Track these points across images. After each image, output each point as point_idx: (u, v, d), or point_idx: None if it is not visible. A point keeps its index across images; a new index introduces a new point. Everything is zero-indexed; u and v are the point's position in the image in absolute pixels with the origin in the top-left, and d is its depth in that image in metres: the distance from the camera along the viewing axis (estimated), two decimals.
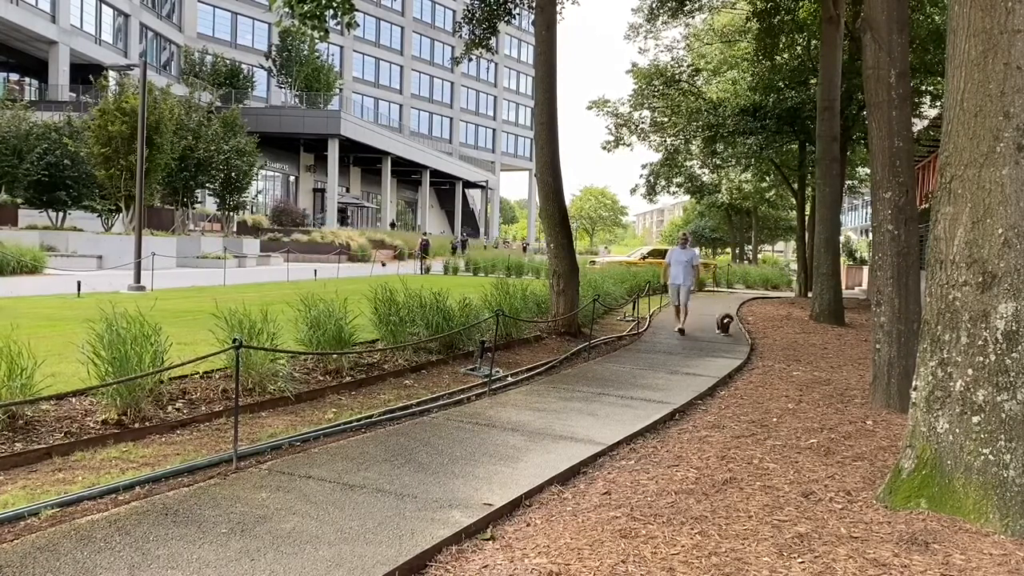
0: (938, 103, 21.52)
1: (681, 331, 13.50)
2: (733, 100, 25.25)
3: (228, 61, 52.49)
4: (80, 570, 3.33)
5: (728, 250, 64.49)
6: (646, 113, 27.68)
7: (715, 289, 29.97)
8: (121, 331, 5.93)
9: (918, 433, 4.74)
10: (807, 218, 24.71)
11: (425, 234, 43.98)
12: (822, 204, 17.21)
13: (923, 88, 21.89)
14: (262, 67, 55.37)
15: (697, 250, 14.78)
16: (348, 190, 61.09)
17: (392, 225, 60.52)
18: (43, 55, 41.31)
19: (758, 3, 21.30)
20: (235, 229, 39.29)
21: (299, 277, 23.34)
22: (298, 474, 4.74)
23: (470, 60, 17.06)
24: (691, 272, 13.83)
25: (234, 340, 5.24)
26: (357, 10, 12.18)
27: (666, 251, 36.87)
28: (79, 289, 15.15)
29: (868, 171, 13.18)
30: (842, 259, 25.57)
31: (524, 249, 60.26)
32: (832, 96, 16.79)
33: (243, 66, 53.40)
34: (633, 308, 16.61)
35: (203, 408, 6.26)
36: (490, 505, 4.37)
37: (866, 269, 34.00)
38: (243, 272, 26.85)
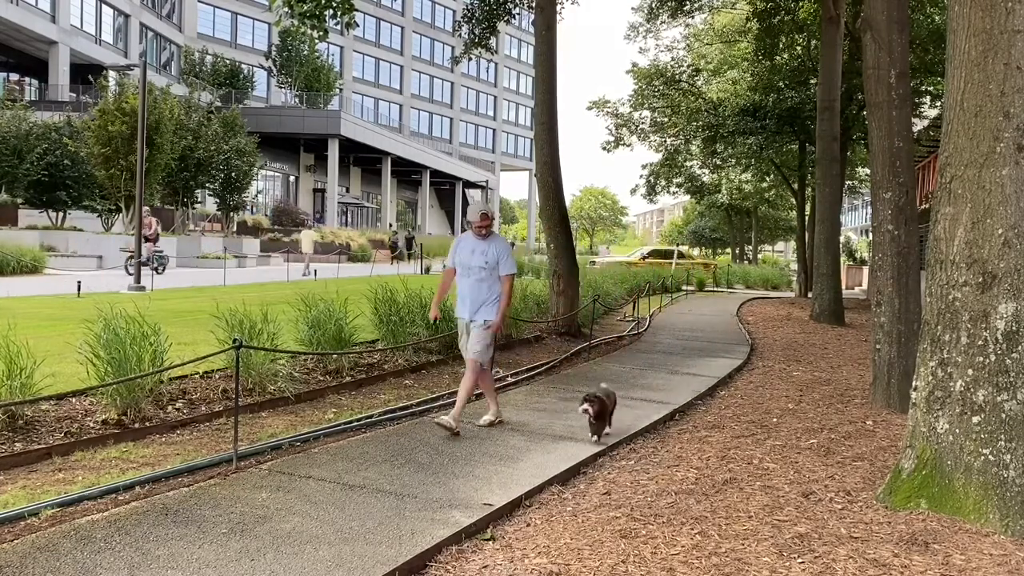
0: (938, 103, 21.52)
1: (451, 428, 5.86)
2: (733, 100, 25.26)
3: (228, 61, 52.45)
4: (80, 570, 3.33)
5: (728, 250, 64.53)
6: (646, 113, 27.71)
7: (715, 289, 29.99)
8: (120, 331, 5.93)
9: (918, 433, 4.74)
10: (807, 218, 24.72)
11: (410, 232, 43.41)
12: (822, 204, 17.21)
13: (923, 88, 21.89)
14: (262, 67, 55.33)
15: (507, 242, 6.75)
16: (348, 190, 61.07)
17: (396, 225, 59.59)
18: (43, 55, 41.30)
19: (758, 3, 21.31)
20: (235, 229, 39.28)
21: (299, 277, 23.34)
22: (298, 474, 4.74)
23: (470, 60, 17.07)
24: (495, 287, 6.25)
25: (234, 340, 5.24)
26: (357, 10, 12.18)
27: (667, 251, 37.07)
28: (79, 289, 15.15)
29: (868, 171, 13.17)
30: (842, 259, 25.58)
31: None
32: (832, 96, 16.79)
33: (243, 66, 53.36)
34: (633, 308, 16.63)
35: (203, 408, 6.26)
36: (490, 505, 4.37)
37: (866, 269, 34.02)
38: (243, 272, 26.84)
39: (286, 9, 11.19)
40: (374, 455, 5.24)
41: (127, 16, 45.87)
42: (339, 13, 11.39)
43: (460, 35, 16.56)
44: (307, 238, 30.12)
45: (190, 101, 34.62)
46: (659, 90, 26.39)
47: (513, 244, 70.92)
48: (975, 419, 4.46)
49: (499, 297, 6.24)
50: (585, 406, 5.87)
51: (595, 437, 5.93)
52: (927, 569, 3.71)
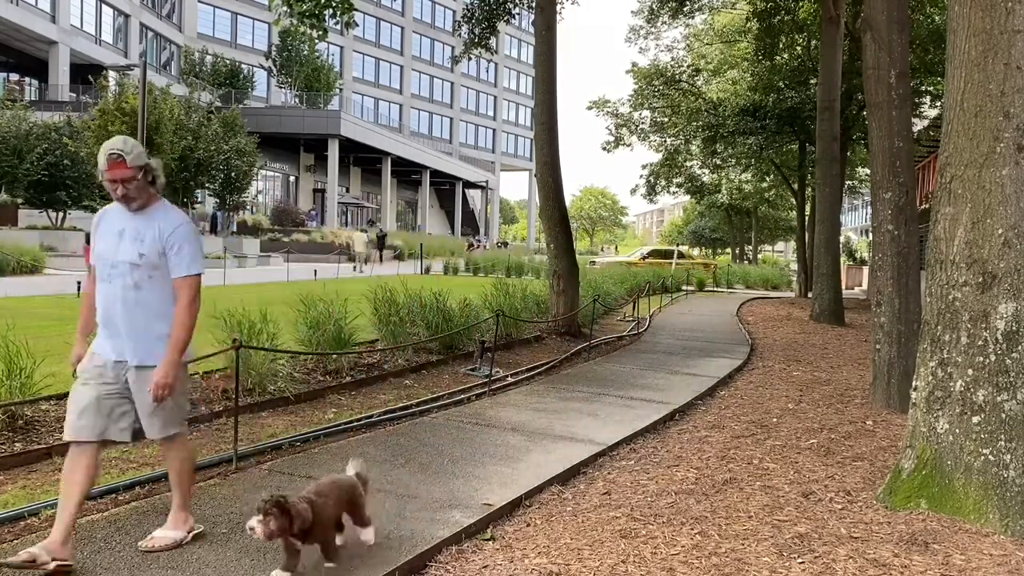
0: (938, 103, 21.51)
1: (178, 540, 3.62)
2: (733, 100, 25.26)
3: (228, 61, 52.46)
4: (80, 570, 3.33)
5: (728, 250, 64.53)
6: (646, 113, 27.71)
7: (715, 289, 29.98)
8: None
9: (918, 433, 4.74)
10: (807, 218, 24.71)
11: (381, 230, 43.18)
12: (822, 204, 17.21)
13: (923, 88, 21.89)
14: (262, 67, 55.33)
15: (184, 216, 3.55)
16: (348, 190, 61.06)
17: (371, 223, 57.10)
18: (43, 55, 41.30)
19: (758, 3, 21.31)
20: (235, 229, 39.26)
21: (299, 277, 23.32)
22: (298, 474, 4.74)
23: (470, 60, 17.08)
24: (162, 300, 3.50)
25: (234, 340, 5.24)
26: (357, 10, 12.18)
27: (667, 251, 37.09)
28: (79, 289, 15.14)
29: (868, 171, 13.15)
30: (842, 259, 25.57)
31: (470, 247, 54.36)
32: (832, 96, 16.79)
33: (243, 66, 53.36)
34: (633, 308, 16.62)
35: (203, 408, 6.26)
36: (490, 505, 4.36)
37: (866, 269, 34.01)
38: (243, 272, 26.83)
39: (285, 8, 11.19)
40: (374, 455, 5.24)
41: (127, 16, 45.88)
42: (339, 13, 11.39)
43: (460, 35, 16.56)
44: (359, 240, 32.41)
45: (190, 101, 34.62)
46: (659, 90, 26.39)
47: (506, 244, 70.70)
48: (975, 419, 4.46)
49: (180, 310, 3.48)
50: (253, 523, 3.14)
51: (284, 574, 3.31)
52: (927, 569, 3.71)
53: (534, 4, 13.31)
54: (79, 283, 15.40)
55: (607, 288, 17.02)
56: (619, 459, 5.66)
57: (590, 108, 27.94)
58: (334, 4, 11.27)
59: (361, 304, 8.93)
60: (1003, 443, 4.36)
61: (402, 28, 74.12)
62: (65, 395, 5.93)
